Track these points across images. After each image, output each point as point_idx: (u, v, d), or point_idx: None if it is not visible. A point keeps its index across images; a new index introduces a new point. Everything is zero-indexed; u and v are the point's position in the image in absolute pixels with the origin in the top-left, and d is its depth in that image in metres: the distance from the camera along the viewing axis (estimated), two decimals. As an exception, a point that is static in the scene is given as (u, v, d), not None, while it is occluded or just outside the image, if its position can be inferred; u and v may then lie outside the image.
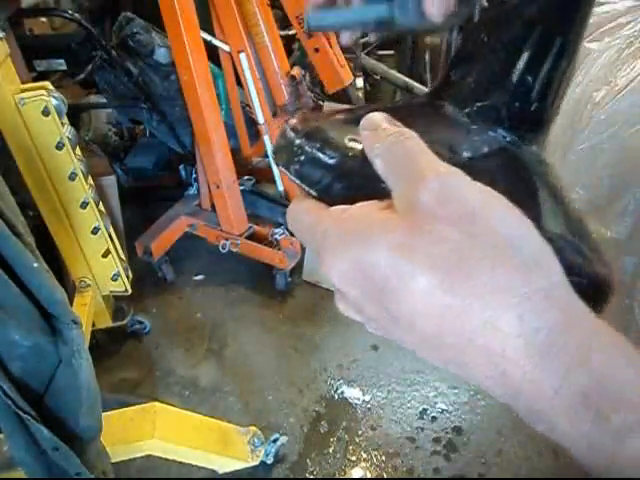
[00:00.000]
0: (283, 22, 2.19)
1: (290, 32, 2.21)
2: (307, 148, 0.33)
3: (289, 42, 2.33)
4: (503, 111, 0.34)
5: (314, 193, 0.32)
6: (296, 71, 1.97)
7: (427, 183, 0.24)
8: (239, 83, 2.05)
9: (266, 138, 2.04)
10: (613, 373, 0.21)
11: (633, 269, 1.31)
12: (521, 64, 0.33)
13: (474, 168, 0.29)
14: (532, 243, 0.24)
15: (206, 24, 1.88)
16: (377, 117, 0.30)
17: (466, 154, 0.32)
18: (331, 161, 0.32)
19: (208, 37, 1.89)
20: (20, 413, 0.79)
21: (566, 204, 0.35)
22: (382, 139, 0.28)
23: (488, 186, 0.26)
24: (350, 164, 0.32)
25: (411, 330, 0.25)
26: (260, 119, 2.01)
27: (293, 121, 0.37)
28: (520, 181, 0.33)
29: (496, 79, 0.34)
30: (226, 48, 1.96)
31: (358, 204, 0.27)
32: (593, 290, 0.29)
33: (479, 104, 0.35)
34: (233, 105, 2.14)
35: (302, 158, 0.33)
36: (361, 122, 0.30)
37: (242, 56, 1.93)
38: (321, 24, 0.38)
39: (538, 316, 0.22)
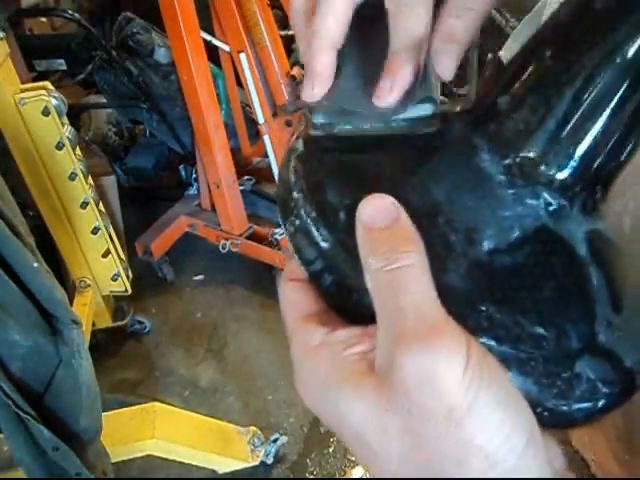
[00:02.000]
0: (283, 22, 2.19)
1: (290, 32, 2.21)
2: (302, 212, 0.26)
3: (289, 42, 2.33)
4: (556, 168, 0.25)
5: (305, 273, 0.27)
6: (296, 71, 1.97)
7: (406, 362, 0.21)
8: (239, 83, 2.05)
9: (266, 138, 2.04)
10: None
11: (633, 269, 1.31)
12: (605, 111, 0.24)
13: (493, 267, 0.25)
14: (508, 457, 0.21)
15: (206, 24, 1.88)
16: (376, 208, 0.24)
17: (487, 244, 0.25)
18: (324, 244, 0.26)
19: (208, 37, 1.89)
20: (20, 413, 0.79)
21: (627, 289, 0.27)
22: (375, 252, 0.23)
23: (509, 293, 0.24)
24: (343, 258, 0.25)
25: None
26: (260, 119, 2.01)
27: (299, 145, 0.29)
28: (560, 276, 0.26)
29: (562, 122, 0.25)
30: (226, 48, 1.96)
31: (338, 334, 0.25)
32: (625, 394, 0.26)
33: (526, 155, 0.25)
34: (233, 105, 2.14)
35: (296, 223, 0.27)
36: (359, 207, 0.24)
37: (242, 56, 1.93)
38: (333, 129, 0.28)
39: None
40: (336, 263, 0.26)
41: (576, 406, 0.25)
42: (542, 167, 0.26)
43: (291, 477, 1.55)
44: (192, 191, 2.26)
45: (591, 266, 0.26)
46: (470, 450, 0.21)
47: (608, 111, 0.24)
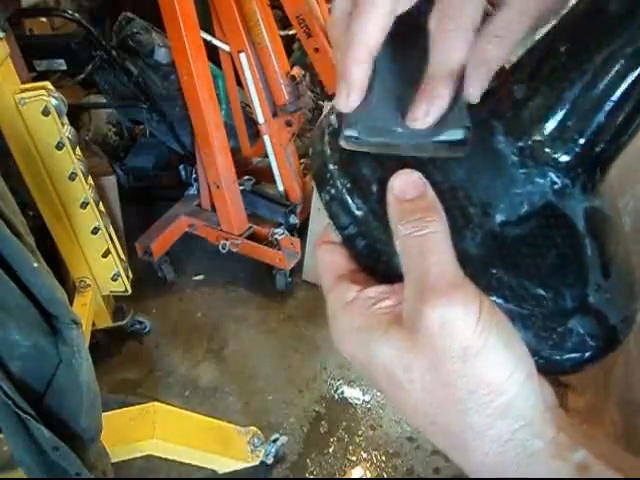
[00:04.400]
0: (283, 22, 2.19)
1: (290, 32, 2.21)
2: (338, 182, 0.30)
3: (289, 42, 2.33)
4: (562, 151, 0.28)
5: (339, 237, 0.31)
6: (296, 71, 1.97)
7: (430, 312, 0.25)
8: (239, 83, 2.05)
9: (266, 138, 2.04)
10: None
11: (633, 269, 1.31)
12: (609, 104, 0.27)
13: (504, 237, 0.29)
14: (511, 389, 0.26)
15: (206, 24, 1.88)
16: (406, 183, 0.28)
17: (499, 217, 0.29)
18: (358, 212, 0.29)
19: (208, 37, 1.89)
20: (20, 413, 0.79)
21: (615, 259, 0.31)
22: (404, 221, 0.27)
23: (516, 259, 0.28)
24: (375, 225, 0.29)
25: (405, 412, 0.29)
26: (260, 119, 2.01)
27: (333, 120, 0.31)
28: (560, 246, 0.29)
29: (570, 112, 0.28)
30: (226, 48, 1.96)
31: (369, 291, 0.29)
32: (608, 348, 0.30)
33: (537, 139, 0.28)
34: (233, 105, 2.14)
35: (332, 192, 0.30)
36: (390, 180, 0.28)
37: (242, 56, 1.93)
38: (364, 144, 0.29)
39: (498, 455, 0.26)
40: (368, 229, 0.29)
41: (567, 356, 0.29)
42: (550, 150, 0.29)
43: (291, 477, 1.55)
44: (192, 191, 2.26)
45: (587, 238, 0.29)
46: (480, 382, 0.26)
47: (611, 105, 0.27)
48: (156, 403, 1.38)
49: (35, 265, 0.79)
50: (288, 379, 1.81)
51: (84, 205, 1.48)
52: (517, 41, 0.28)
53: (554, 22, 0.29)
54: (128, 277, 1.69)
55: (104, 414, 0.96)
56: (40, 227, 1.48)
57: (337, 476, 1.55)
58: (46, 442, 0.82)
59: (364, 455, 1.59)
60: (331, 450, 1.61)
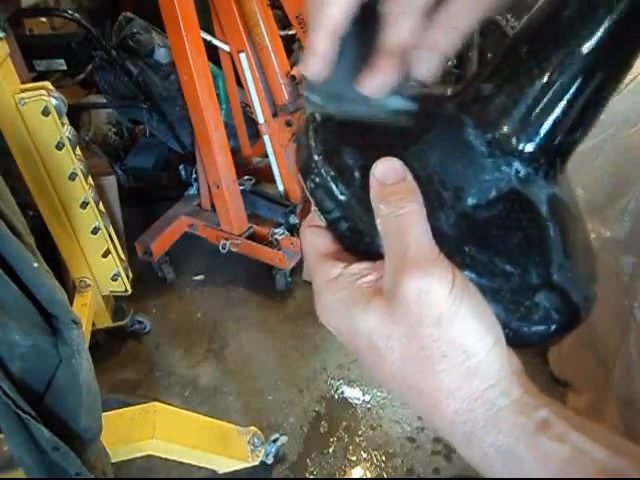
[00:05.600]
0: (283, 22, 2.19)
1: (290, 32, 2.21)
2: (322, 171, 0.33)
3: (289, 42, 2.33)
4: (525, 143, 0.31)
5: (324, 221, 0.33)
6: (296, 71, 1.97)
7: (408, 282, 0.28)
8: (239, 83, 2.05)
9: (266, 138, 2.04)
10: (509, 450, 0.28)
11: (632, 269, 1.31)
12: (565, 99, 0.30)
13: (475, 218, 0.31)
14: (480, 352, 0.29)
15: (206, 24, 1.88)
16: (388, 168, 0.30)
17: (471, 201, 0.31)
18: (341, 197, 0.32)
19: (208, 37, 1.90)
20: (20, 413, 0.79)
21: (575, 243, 0.33)
22: (385, 201, 0.30)
23: (487, 239, 0.31)
24: (358, 208, 0.32)
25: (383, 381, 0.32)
26: (260, 119, 2.01)
27: (317, 116, 0.35)
28: (526, 228, 0.32)
29: (532, 106, 0.31)
30: (226, 48, 1.96)
31: (353, 267, 0.32)
32: (571, 323, 0.33)
33: (503, 131, 0.31)
34: (233, 105, 2.14)
35: (317, 180, 0.33)
36: (373, 166, 0.31)
37: (242, 56, 1.93)
38: (323, 107, 0.34)
39: (467, 412, 0.29)
40: (351, 212, 0.32)
41: (534, 328, 0.32)
42: (515, 141, 0.31)
43: (291, 477, 1.55)
44: (192, 191, 2.26)
45: (549, 221, 0.32)
46: (453, 346, 0.28)
47: (567, 99, 0.30)
48: (156, 403, 1.38)
49: (35, 265, 0.79)
50: (288, 379, 1.81)
51: (84, 205, 1.49)
52: (467, 31, 0.32)
53: (517, 28, 0.32)
54: (128, 277, 1.69)
55: (104, 414, 0.96)
56: (40, 227, 1.48)
57: (337, 476, 1.55)
58: (46, 442, 0.82)
59: (364, 455, 1.59)
60: (331, 450, 1.61)
